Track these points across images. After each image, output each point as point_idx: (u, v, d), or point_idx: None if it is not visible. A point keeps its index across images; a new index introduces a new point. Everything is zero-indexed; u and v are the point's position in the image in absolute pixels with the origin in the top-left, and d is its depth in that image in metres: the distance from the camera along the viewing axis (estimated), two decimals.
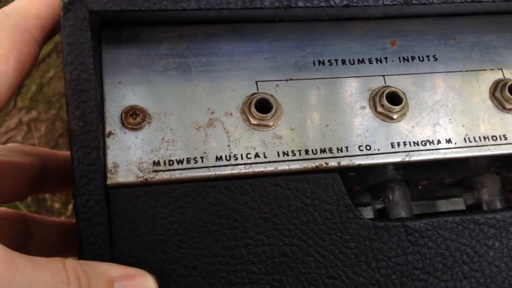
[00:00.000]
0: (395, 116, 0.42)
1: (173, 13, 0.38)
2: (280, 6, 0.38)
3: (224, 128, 0.40)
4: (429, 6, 0.42)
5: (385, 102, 0.42)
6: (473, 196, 0.51)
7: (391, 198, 0.49)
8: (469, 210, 0.49)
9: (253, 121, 0.40)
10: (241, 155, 0.40)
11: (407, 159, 0.41)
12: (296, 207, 0.40)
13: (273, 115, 0.40)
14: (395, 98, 0.42)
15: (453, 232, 0.42)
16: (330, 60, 0.44)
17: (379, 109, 0.42)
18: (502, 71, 0.45)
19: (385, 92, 0.42)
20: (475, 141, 0.42)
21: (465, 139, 0.43)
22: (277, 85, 0.42)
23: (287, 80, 0.42)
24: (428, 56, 0.45)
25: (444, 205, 0.61)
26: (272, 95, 0.41)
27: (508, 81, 0.44)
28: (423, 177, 0.49)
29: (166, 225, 0.38)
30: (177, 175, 0.38)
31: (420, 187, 0.53)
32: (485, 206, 0.49)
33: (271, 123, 0.40)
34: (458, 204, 0.61)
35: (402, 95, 0.42)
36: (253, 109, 0.40)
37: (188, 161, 0.39)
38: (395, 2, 0.39)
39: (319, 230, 0.40)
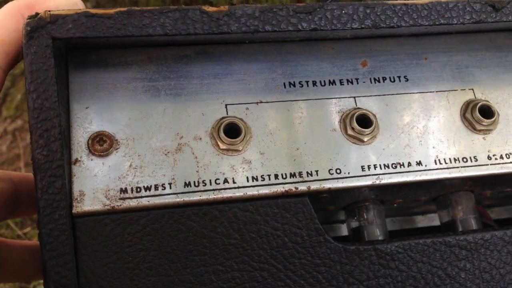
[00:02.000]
0: (365, 139, 0.42)
1: (139, 37, 0.38)
2: (248, 31, 0.38)
3: (193, 153, 0.40)
4: (399, 28, 0.42)
5: (355, 125, 0.42)
6: (448, 213, 0.51)
7: (365, 217, 0.49)
8: (440, 232, 0.49)
9: (222, 146, 0.40)
10: (210, 180, 0.39)
11: (377, 182, 0.41)
12: (266, 232, 0.40)
13: (242, 140, 0.40)
14: (365, 121, 0.42)
15: (424, 254, 0.42)
16: (301, 81, 0.43)
17: (350, 132, 0.42)
18: (473, 91, 0.45)
19: (356, 115, 0.42)
20: (446, 163, 0.42)
21: (435, 161, 0.42)
22: (247, 108, 0.42)
23: (257, 103, 0.42)
24: (399, 77, 0.45)
25: (421, 221, 0.61)
26: (241, 119, 0.41)
27: (479, 102, 0.44)
28: (398, 196, 0.49)
29: (134, 252, 0.38)
30: (145, 202, 0.38)
31: (395, 205, 0.53)
32: (459, 224, 0.49)
33: (240, 148, 0.40)
34: (435, 219, 0.61)
35: (373, 117, 0.42)
36: (222, 134, 0.40)
37: (156, 187, 0.38)
38: (363, 26, 0.39)
39: (289, 254, 0.40)
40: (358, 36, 0.44)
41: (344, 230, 0.58)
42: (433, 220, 0.61)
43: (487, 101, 0.44)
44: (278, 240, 0.40)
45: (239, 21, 0.38)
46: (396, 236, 0.61)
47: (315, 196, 0.42)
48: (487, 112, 0.44)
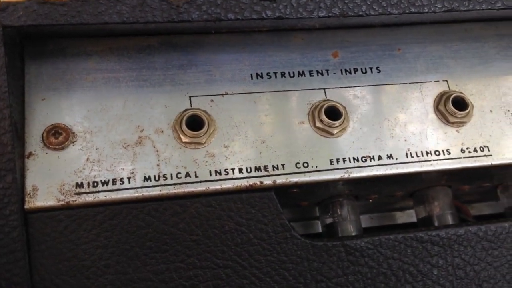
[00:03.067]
0: (334, 132, 0.41)
1: (97, 26, 0.36)
2: (210, 19, 0.37)
3: (154, 147, 0.38)
4: (369, 18, 0.40)
5: (324, 117, 0.40)
6: (424, 209, 0.50)
7: (339, 213, 0.48)
8: (412, 227, 0.47)
9: (184, 139, 0.38)
10: (171, 174, 0.38)
11: (346, 176, 0.40)
12: (230, 228, 0.38)
13: (206, 132, 0.39)
14: (334, 113, 0.41)
15: (395, 250, 0.40)
16: (269, 73, 0.42)
17: (318, 124, 0.40)
18: (447, 83, 0.44)
19: (324, 107, 0.40)
20: (417, 156, 0.41)
21: (407, 154, 0.41)
22: (212, 100, 0.40)
23: (222, 94, 0.41)
24: (371, 68, 0.43)
25: (401, 217, 0.60)
26: (205, 111, 0.40)
27: (452, 94, 0.42)
28: (372, 191, 0.48)
29: (91, 249, 0.36)
30: (102, 197, 0.36)
31: (371, 200, 0.52)
32: (435, 220, 0.48)
33: (203, 141, 0.39)
34: (414, 216, 0.60)
35: (342, 110, 0.41)
36: (184, 127, 0.38)
37: (114, 182, 0.37)
38: (330, 14, 0.38)
39: (255, 251, 0.38)
40: (329, 26, 0.43)
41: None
42: (412, 216, 0.59)
43: (461, 92, 0.43)
44: (243, 236, 0.38)
45: (200, 8, 0.36)
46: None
47: (283, 191, 0.40)
48: (461, 104, 0.42)
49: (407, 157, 0.41)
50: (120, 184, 0.37)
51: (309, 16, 0.38)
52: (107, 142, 0.38)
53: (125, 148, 0.38)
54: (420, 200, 0.50)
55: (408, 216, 0.59)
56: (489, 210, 0.62)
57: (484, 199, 0.62)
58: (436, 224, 0.48)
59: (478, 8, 0.40)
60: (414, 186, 0.48)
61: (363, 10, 0.38)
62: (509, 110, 0.43)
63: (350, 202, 0.48)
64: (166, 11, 0.36)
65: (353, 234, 0.46)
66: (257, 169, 0.39)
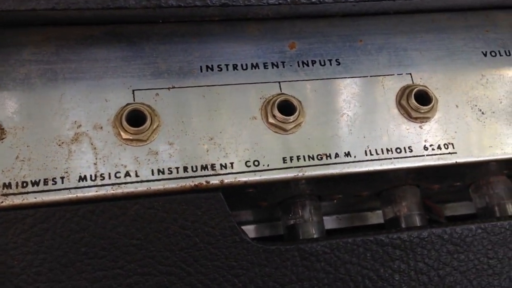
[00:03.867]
0: (288, 128, 0.38)
1: (25, 13, 0.33)
2: (149, 6, 0.34)
3: (92, 144, 0.36)
4: (326, 6, 0.38)
5: (276, 112, 0.38)
6: (392, 209, 0.48)
7: (300, 214, 0.45)
8: (382, 229, 0.45)
9: (125, 136, 0.36)
10: (109, 174, 0.35)
11: (300, 175, 0.37)
12: (174, 231, 0.35)
13: (148, 128, 0.36)
14: (289, 108, 0.38)
15: (353, 254, 0.38)
16: (220, 65, 0.39)
17: (271, 120, 0.38)
18: (411, 76, 0.41)
19: (277, 101, 0.38)
20: (377, 154, 0.39)
21: (366, 152, 0.39)
22: (157, 94, 0.38)
23: (169, 88, 0.38)
24: (330, 60, 0.41)
25: (371, 218, 0.57)
26: (149, 106, 0.37)
27: (415, 87, 0.40)
28: (335, 191, 0.45)
29: (20, 255, 0.33)
30: (32, 198, 0.34)
31: (335, 201, 0.49)
32: (403, 221, 0.46)
33: (145, 138, 0.36)
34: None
35: (297, 104, 0.38)
36: (124, 122, 0.36)
37: (46, 182, 0.34)
38: (281, 1, 0.35)
39: (201, 256, 0.36)
40: (285, 16, 0.40)
41: None
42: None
43: (425, 86, 0.41)
44: (188, 240, 0.36)
45: None
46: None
47: (237, 190, 0.38)
48: (425, 98, 0.40)
49: (366, 155, 0.38)
50: (53, 184, 0.34)
51: (258, 3, 0.35)
52: (40, 139, 0.35)
53: (59, 145, 0.35)
54: (387, 200, 0.48)
55: (379, 216, 0.57)
56: (464, 210, 0.60)
57: (459, 199, 0.60)
58: (403, 225, 0.46)
59: None
60: (379, 186, 0.45)
61: None
62: (476, 105, 0.41)
63: (312, 203, 0.45)
64: None
65: (315, 236, 0.44)
66: (204, 167, 0.36)
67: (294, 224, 0.45)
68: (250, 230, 0.55)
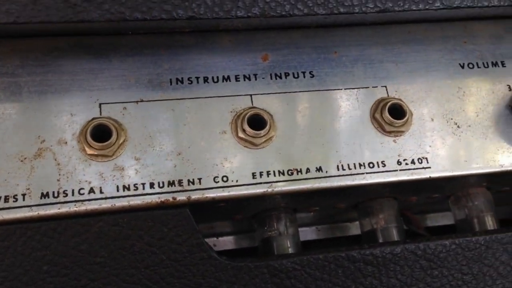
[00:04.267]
0: (258, 142, 0.37)
1: None
2: (113, 19, 0.33)
3: (55, 160, 0.35)
4: (299, 18, 0.37)
5: (246, 126, 0.37)
6: (369, 222, 0.47)
7: (275, 227, 0.45)
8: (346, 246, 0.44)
9: (90, 151, 0.35)
10: (73, 190, 0.34)
11: (269, 190, 0.37)
12: (140, 248, 0.35)
13: (114, 143, 0.35)
14: (260, 122, 0.37)
15: (324, 271, 0.37)
16: (191, 77, 0.39)
17: (241, 134, 0.37)
18: (386, 89, 0.41)
19: (248, 115, 0.37)
20: (349, 169, 0.38)
21: (338, 166, 0.38)
22: (125, 108, 0.37)
23: (137, 101, 0.37)
24: (304, 73, 0.40)
25: (351, 228, 0.57)
26: (116, 120, 0.36)
27: (390, 101, 0.39)
28: (310, 204, 0.44)
29: None
30: None
31: (312, 213, 0.49)
32: (379, 234, 0.45)
33: (111, 153, 0.35)
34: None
35: (268, 118, 0.38)
36: (89, 137, 0.35)
37: (6, 199, 0.33)
38: (249, 15, 0.35)
39: (167, 274, 0.35)
40: (257, 27, 0.40)
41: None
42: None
43: (400, 99, 0.40)
44: (154, 258, 0.35)
45: (101, 7, 0.33)
46: (324, 246, 0.57)
47: (209, 204, 0.37)
48: (399, 111, 0.39)
49: (338, 169, 0.38)
50: (14, 201, 0.33)
51: (226, 16, 0.34)
52: (2, 154, 0.34)
53: (21, 161, 0.34)
54: (364, 213, 0.47)
55: (357, 228, 0.56)
56: (445, 221, 0.59)
57: (440, 209, 0.59)
58: (380, 238, 0.45)
59: (414, 9, 0.37)
60: (355, 199, 0.44)
61: (287, 10, 0.35)
62: (451, 118, 0.40)
63: (287, 216, 0.45)
64: (61, 10, 0.32)
65: (290, 249, 0.43)
66: (171, 183, 0.36)
67: (268, 238, 0.44)
68: (228, 241, 0.54)
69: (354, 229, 0.56)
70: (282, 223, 0.44)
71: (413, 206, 0.53)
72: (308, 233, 0.55)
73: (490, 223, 0.47)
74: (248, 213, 0.44)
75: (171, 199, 0.35)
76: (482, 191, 0.48)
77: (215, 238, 0.53)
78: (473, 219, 0.47)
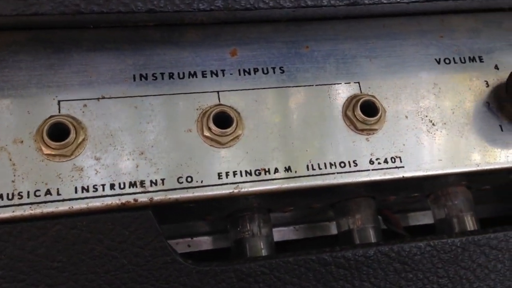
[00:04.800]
0: (225, 141, 0.36)
1: None
2: (67, 11, 0.32)
3: (10, 160, 0.33)
4: (266, 11, 0.36)
5: (212, 125, 0.35)
6: (346, 222, 0.46)
7: (248, 227, 0.43)
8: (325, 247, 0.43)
9: (47, 151, 0.33)
10: (28, 192, 0.33)
11: (236, 191, 0.35)
12: (100, 252, 0.33)
13: (73, 142, 0.34)
14: (226, 119, 0.36)
15: (294, 274, 0.36)
16: (155, 73, 0.37)
17: (206, 133, 0.36)
18: (359, 85, 0.39)
19: (213, 113, 0.36)
20: (320, 168, 0.37)
21: (308, 166, 0.37)
22: (85, 105, 0.35)
23: (98, 98, 0.36)
24: (274, 68, 0.39)
25: (330, 228, 0.55)
26: (74, 118, 0.35)
27: (362, 97, 0.38)
28: (284, 203, 0.43)
29: None
30: None
31: (287, 213, 0.47)
32: (356, 234, 0.44)
33: (69, 153, 0.34)
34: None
35: (235, 116, 0.36)
36: (45, 137, 0.33)
37: None
38: (212, 8, 0.33)
39: (129, 279, 0.34)
40: (225, 21, 0.38)
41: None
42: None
43: (373, 96, 0.39)
44: (115, 262, 0.33)
45: (55, 0, 0.31)
46: (303, 246, 0.56)
47: (172, 207, 0.36)
48: (372, 109, 0.38)
49: (308, 169, 0.36)
50: None
51: (187, 9, 0.33)
52: None
53: None
54: (341, 212, 0.46)
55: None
56: (427, 220, 0.58)
57: (421, 208, 0.58)
58: (357, 239, 0.44)
59: (385, 2, 0.36)
60: (330, 199, 0.43)
61: (251, 2, 0.34)
62: (426, 116, 0.39)
63: (261, 216, 0.43)
64: (13, 2, 0.31)
65: (264, 251, 0.42)
66: (132, 184, 0.34)
67: (241, 239, 0.43)
68: (204, 241, 0.53)
69: (334, 228, 0.54)
70: (255, 224, 0.43)
71: (393, 205, 0.52)
72: (286, 233, 0.53)
73: (469, 223, 0.46)
74: (219, 213, 0.42)
75: (132, 201, 0.34)
76: (461, 190, 0.46)
77: (189, 238, 0.51)
78: (453, 219, 0.46)
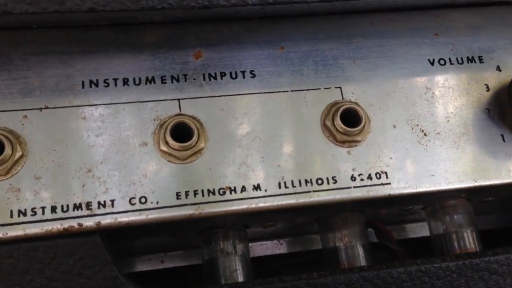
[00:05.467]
0: (185, 156, 0.32)
1: None
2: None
3: None
4: (236, 8, 0.31)
5: (169, 138, 0.31)
6: (333, 237, 0.41)
7: (222, 246, 0.39)
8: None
9: None
10: None
11: (196, 213, 0.31)
12: (40, 284, 0.29)
13: (8, 159, 0.30)
14: (186, 132, 0.32)
15: None
16: (107, 79, 0.33)
17: (163, 147, 0.31)
18: (341, 90, 0.35)
19: (171, 125, 0.31)
20: (293, 186, 0.32)
21: (280, 184, 0.32)
22: (25, 116, 0.31)
23: (40, 108, 0.32)
24: (243, 72, 0.34)
25: (318, 241, 0.51)
26: (12, 131, 0.31)
27: (343, 105, 0.33)
28: (261, 220, 0.39)
29: None
30: None
31: (266, 228, 0.43)
32: (342, 253, 0.40)
33: (4, 171, 0.30)
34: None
35: (196, 127, 0.32)
36: None
37: None
38: (164, 5, 0.28)
39: None
40: (187, 19, 0.34)
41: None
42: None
43: (356, 103, 0.34)
44: None
45: None
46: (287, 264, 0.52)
47: (125, 230, 0.31)
48: (354, 117, 0.33)
49: (279, 187, 0.32)
50: None
51: (135, 8, 0.28)
52: None
53: None
54: (327, 228, 0.41)
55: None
56: (424, 232, 0.53)
57: (418, 219, 0.53)
58: (343, 257, 0.40)
59: None
60: (310, 216, 0.39)
61: (209, 0, 0.29)
62: (417, 125, 0.35)
63: (236, 233, 0.39)
64: None
65: (239, 271, 0.38)
66: (77, 207, 0.30)
67: (213, 258, 0.39)
68: (182, 256, 0.48)
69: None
70: (229, 242, 0.39)
71: (386, 217, 0.48)
72: (269, 247, 0.49)
73: (469, 240, 0.41)
74: (187, 231, 0.38)
75: (76, 226, 0.30)
76: (461, 203, 0.42)
77: (163, 253, 0.47)
78: (451, 235, 0.41)
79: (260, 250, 0.49)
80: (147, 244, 0.46)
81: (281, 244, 0.49)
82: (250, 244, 0.49)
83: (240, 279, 0.38)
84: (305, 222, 0.42)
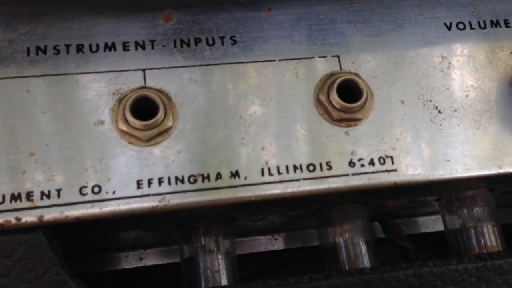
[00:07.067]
0: (148, 137, 0.26)
1: None
2: None
3: None
4: None
5: (129, 115, 0.26)
6: (332, 233, 0.36)
7: (202, 243, 0.34)
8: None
9: None
10: None
11: (162, 204, 0.26)
12: None
13: None
14: (152, 108, 0.26)
15: None
16: (58, 46, 0.28)
17: (122, 126, 0.26)
18: (339, 60, 0.29)
19: (131, 99, 0.26)
20: (279, 173, 0.27)
21: (263, 170, 0.27)
22: None
23: None
24: (222, 38, 0.29)
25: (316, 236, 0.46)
26: None
27: (340, 76, 0.28)
28: (248, 213, 0.34)
29: None
30: None
31: (254, 222, 0.38)
32: (343, 249, 0.34)
33: None
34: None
35: (162, 102, 0.26)
36: None
37: None
38: None
39: None
40: None
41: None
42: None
43: (357, 74, 0.28)
44: None
45: None
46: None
47: (75, 224, 0.26)
48: (353, 91, 0.28)
49: (263, 175, 0.27)
50: None
51: None
52: None
53: None
54: (326, 221, 0.36)
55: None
56: (438, 227, 0.48)
57: (432, 212, 0.48)
58: (343, 254, 0.34)
59: None
60: (305, 208, 0.34)
61: None
62: (430, 100, 0.29)
63: (220, 227, 0.34)
64: None
65: (221, 272, 0.33)
66: (15, 198, 0.25)
67: (193, 257, 0.34)
68: (163, 253, 0.43)
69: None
70: (211, 239, 0.34)
71: (394, 210, 0.42)
72: (262, 243, 0.44)
73: (490, 237, 0.36)
74: (170, 223, 0.33)
75: (13, 220, 0.25)
76: (481, 194, 0.36)
77: (142, 250, 0.42)
78: (469, 231, 0.36)
79: (251, 246, 0.44)
80: (123, 239, 0.41)
81: (275, 239, 0.44)
82: (240, 240, 0.44)
83: (223, 281, 0.33)
84: (301, 215, 0.37)
